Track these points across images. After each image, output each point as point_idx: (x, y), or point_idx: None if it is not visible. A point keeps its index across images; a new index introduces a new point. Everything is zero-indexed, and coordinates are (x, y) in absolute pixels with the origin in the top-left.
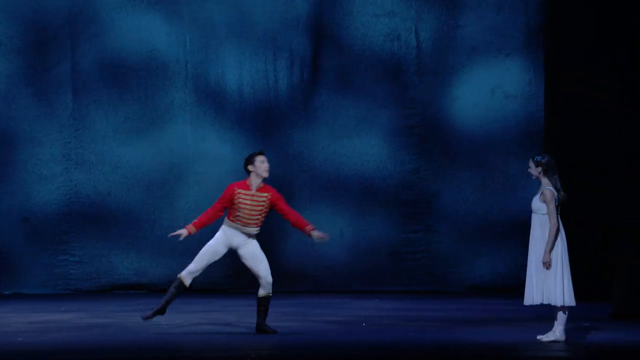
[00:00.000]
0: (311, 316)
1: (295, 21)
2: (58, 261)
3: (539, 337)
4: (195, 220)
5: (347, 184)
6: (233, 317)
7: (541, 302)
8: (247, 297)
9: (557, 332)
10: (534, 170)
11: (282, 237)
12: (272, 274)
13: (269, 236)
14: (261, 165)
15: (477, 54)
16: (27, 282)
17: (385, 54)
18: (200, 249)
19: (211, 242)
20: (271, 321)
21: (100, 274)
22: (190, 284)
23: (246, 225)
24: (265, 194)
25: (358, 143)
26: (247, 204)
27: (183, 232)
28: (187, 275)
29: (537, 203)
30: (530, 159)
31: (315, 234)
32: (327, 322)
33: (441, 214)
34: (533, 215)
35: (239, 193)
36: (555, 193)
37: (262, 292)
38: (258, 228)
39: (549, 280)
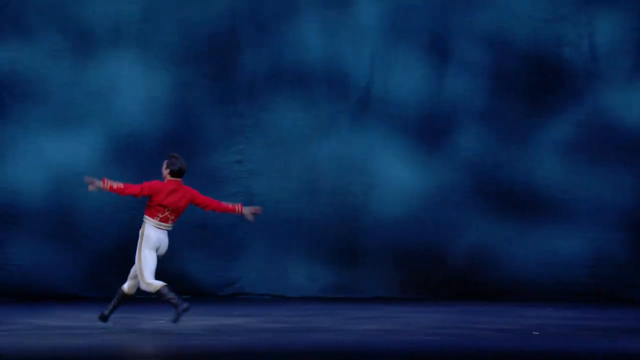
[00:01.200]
0: (480, 324)
1: (462, 25)
2: (232, 266)
3: None
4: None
5: (514, 192)
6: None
7: None
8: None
9: None
10: None
11: (450, 243)
12: (440, 281)
13: (442, 239)
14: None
15: None
16: (203, 287)
17: (555, 59)
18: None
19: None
20: (435, 327)
21: (275, 280)
22: None
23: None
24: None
25: (526, 150)
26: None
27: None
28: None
29: None
30: None
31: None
32: (497, 330)
33: (616, 223)
34: None
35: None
36: None
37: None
38: None
39: None
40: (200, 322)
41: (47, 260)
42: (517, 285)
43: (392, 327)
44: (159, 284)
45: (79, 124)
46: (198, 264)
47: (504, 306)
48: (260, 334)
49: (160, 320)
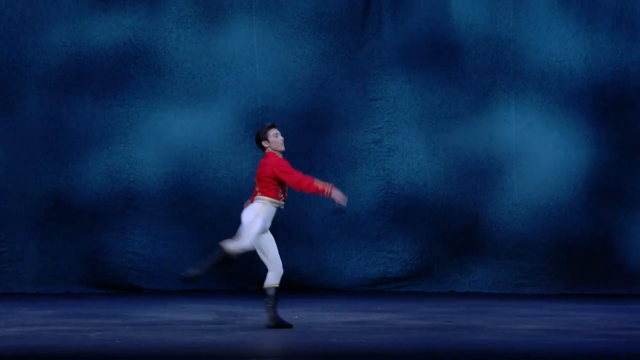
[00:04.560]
0: None
1: None
2: (375, 258)
3: None
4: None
5: None
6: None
7: None
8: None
9: None
10: None
11: (619, 234)
12: (609, 277)
13: (610, 229)
14: (275, 139)
15: None
16: (340, 279)
17: None
18: None
19: (260, 231)
20: (605, 328)
21: (420, 272)
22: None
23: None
24: None
25: None
26: None
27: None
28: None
29: None
30: None
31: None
32: None
33: None
34: None
35: None
36: None
37: (274, 282)
38: None
39: None
40: (340, 318)
41: (171, 248)
42: None
43: (555, 326)
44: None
45: (208, 98)
46: (335, 254)
47: None
48: (405, 332)
49: (295, 315)
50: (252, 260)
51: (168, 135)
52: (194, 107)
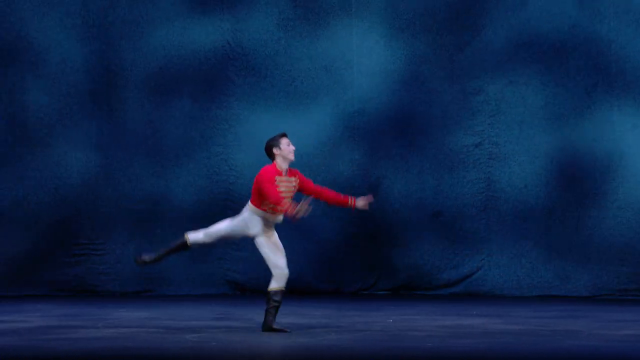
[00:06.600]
0: None
1: None
2: (472, 261)
3: None
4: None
5: None
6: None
7: None
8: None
9: None
10: None
11: None
12: None
13: None
14: (287, 147)
15: None
16: (437, 282)
17: None
18: None
19: (234, 222)
20: None
21: (519, 277)
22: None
23: (277, 213)
24: (294, 178)
25: None
26: (282, 191)
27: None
28: (194, 240)
29: None
30: None
31: (361, 203)
32: None
33: None
34: None
35: (277, 180)
36: None
37: (275, 286)
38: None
39: None
40: (435, 322)
41: None
42: None
43: None
44: (191, 240)
45: (308, 101)
46: (432, 257)
47: None
48: (501, 337)
49: (389, 319)
50: (353, 264)
51: (267, 138)
52: (294, 110)
